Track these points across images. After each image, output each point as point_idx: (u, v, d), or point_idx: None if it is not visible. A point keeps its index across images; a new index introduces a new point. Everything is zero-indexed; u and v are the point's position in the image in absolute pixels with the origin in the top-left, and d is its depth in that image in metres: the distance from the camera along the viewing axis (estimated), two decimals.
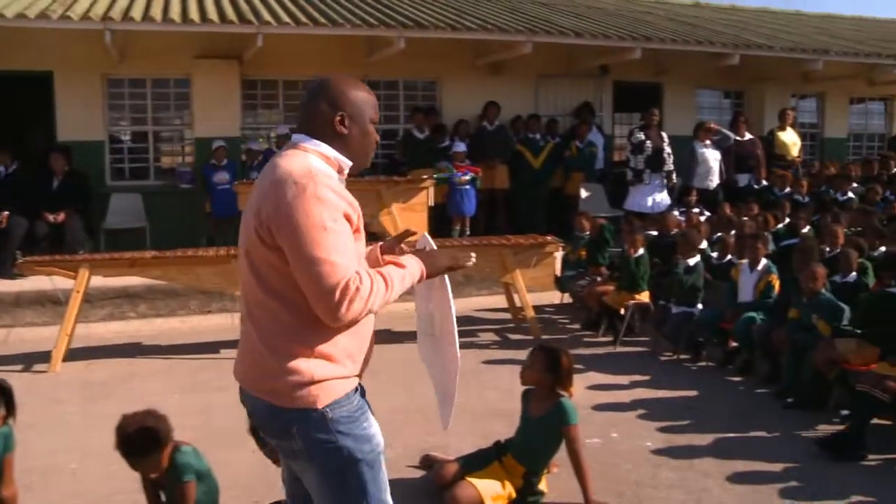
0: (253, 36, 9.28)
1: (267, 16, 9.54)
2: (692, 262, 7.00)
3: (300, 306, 2.22)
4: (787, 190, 10.50)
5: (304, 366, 2.22)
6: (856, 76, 13.53)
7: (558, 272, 8.03)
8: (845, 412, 5.27)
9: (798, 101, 14.25)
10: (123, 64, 10.54)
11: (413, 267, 2.37)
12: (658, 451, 4.85)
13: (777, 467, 4.62)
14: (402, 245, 2.71)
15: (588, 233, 8.76)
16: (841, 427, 4.99)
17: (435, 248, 2.61)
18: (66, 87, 10.58)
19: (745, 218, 8.55)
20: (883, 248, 7.10)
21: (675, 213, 9.92)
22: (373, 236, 9.69)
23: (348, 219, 2.21)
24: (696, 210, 10.03)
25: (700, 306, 6.98)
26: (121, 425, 3.39)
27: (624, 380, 6.34)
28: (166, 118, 11.34)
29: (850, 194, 10.01)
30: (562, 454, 4.16)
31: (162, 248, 7.93)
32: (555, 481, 4.37)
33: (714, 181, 10.90)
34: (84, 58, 10.19)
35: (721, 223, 8.76)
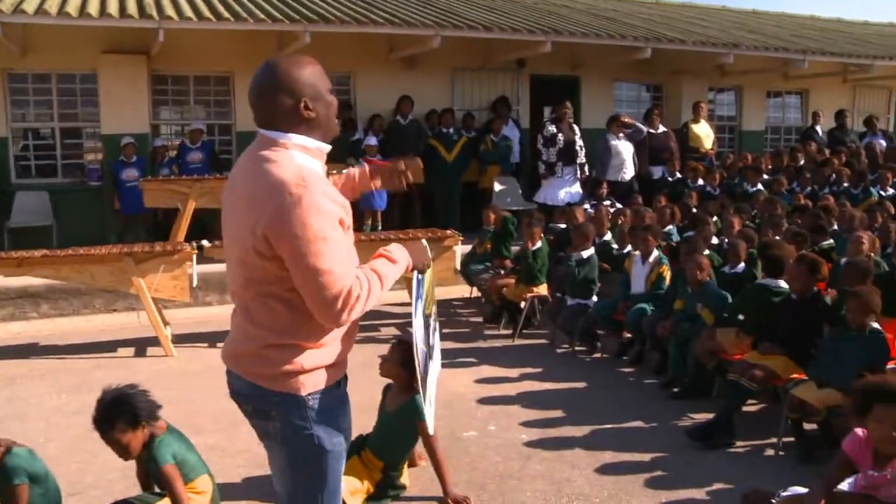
0: (156, 31, 9.07)
1: (170, 10, 9.34)
2: (585, 254, 7.04)
3: (297, 305, 2.27)
4: (700, 182, 10.67)
5: (297, 356, 2.30)
6: (771, 70, 13.78)
7: (458, 265, 8.02)
8: None
9: (716, 94, 14.48)
10: (26, 58, 10.28)
11: (402, 260, 2.48)
12: (531, 444, 4.86)
13: (646, 457, 4.67)
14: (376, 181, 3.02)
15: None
16: (712, 416, 5.06)
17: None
18: None
19: (644, 209, 8.66)
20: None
21: (586, 205, 10.03)
22: None
23: (342, 222, 2.25)
24: (607, 202, 10.12)
25: (595, 298, 7.04)
26: None
27: (514, 373, 6.36)
28: (73, 114, 11.03)
29: (759, 186, 10.19)
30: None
31: (69, 246, 7.79)
32: (419, 474, 4.36)
33: (628, 174, 11.00)
34: None
35: (636, 216, 8.85)
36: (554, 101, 11.08)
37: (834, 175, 10.22)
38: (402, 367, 4.08)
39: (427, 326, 2.92)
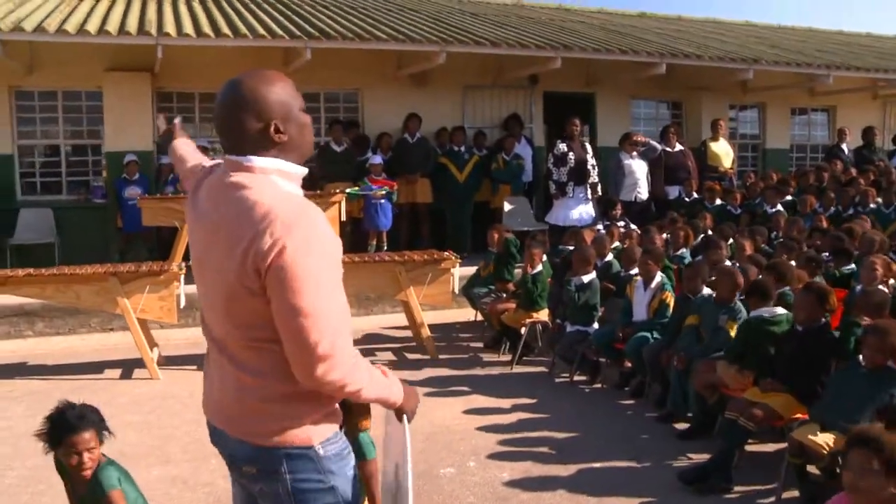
0: (156, 48, 8.95)
1: (169, 27, 9.21)
2: (586, 278, 6.73)
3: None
4: (718, 202, 10.30)
5: (296, 405, 2.04)
6: (796, 86, 13.38)
7: (456, 288, 7.73)
8: None
9: (738, 111, 14.07)
10: (32, 76, 10.23)
11: (395, 388, 2.18)
12: (510, 483, 4.54)
13: (633, 502, 4.33)
14: None
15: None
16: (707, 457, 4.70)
17: None
18: None
19: (654, 231, 8.32)
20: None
21: (599, 226, 9.70)
22: None
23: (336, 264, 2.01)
24: (620, 223, 9.77)
25: (596, 325, 6.70)
26: None
27: (507, 403, 6.04)
28: (79, 132, 10.95)
29: (779, 207, 9.79)
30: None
31: (72, 263, 7.69)
32: None
33: (642, 193, 10.68)
34: None
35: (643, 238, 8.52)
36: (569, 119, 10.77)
37: (859, 195, 9.78)
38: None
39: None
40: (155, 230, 10.16)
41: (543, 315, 7.18)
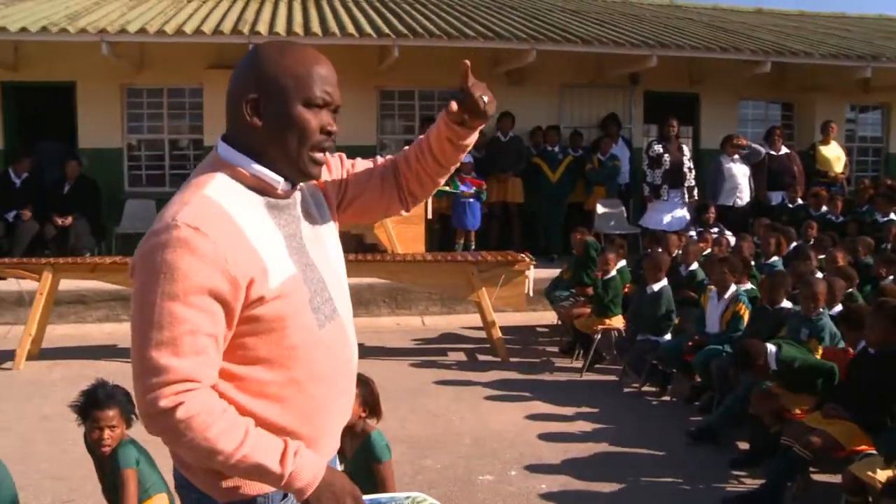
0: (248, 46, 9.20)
1: (262, 27, 9.45)
2: (657, 286, 6.44)
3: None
4: (823, 209, 9.71)
5: None
6: None
7: (530, 291, 7.56)
8: None
9: (858, 112, 13.22)
10: (142, 74, 10.71)
11: (302, 472, 1.61)
12: (548, 496, 4.39)
13: None
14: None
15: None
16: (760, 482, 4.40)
17: None
18: (87, 96, 10.82)
19: (747, 238, 7.90)
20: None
21: (692, 231, 9.32)
22: (368, 248, 9.48)
23: (215, 294, 1.54)
24: (714, 229, 9.34)
25: (668, 336, 6.41)
26: None
27: (569, 411, 5.87)
28: (181, 127, 11.41)
29: (893, 216, 9.12)
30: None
31: None
32: None
33: (742, 198, 10.17)
34: (104, 68, 10.35)
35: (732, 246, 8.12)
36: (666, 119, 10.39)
37: None
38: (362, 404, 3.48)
39: None
40: None
41: (618, 322, 6.93)
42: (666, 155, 9.71)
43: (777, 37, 12.23)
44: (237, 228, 1.59)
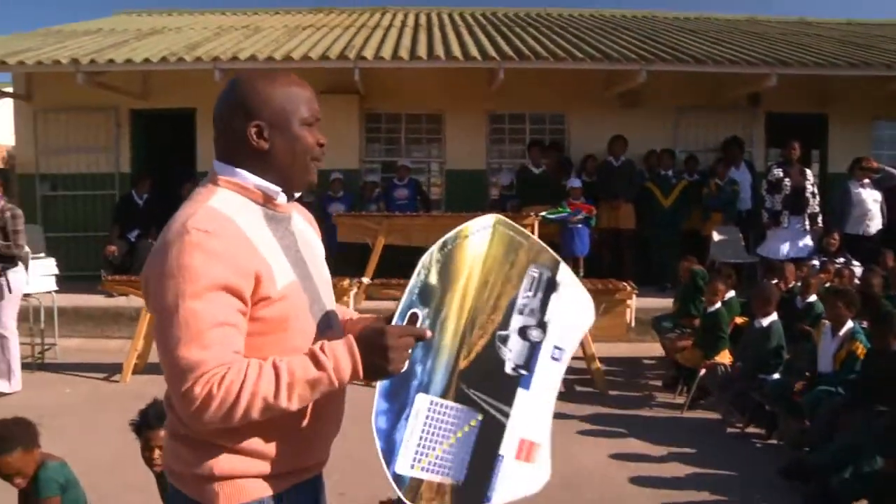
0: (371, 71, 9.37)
1: (369, 52, 9.58)
2: (766, 321, 6.00)
3: None
4: None
5: (209, 457, 1.74)
6: None
7: (632, 321, 7.21)
8: None
9: None
10: None
11: (334, 365, 1.66)
12: None
13: None
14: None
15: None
16: None
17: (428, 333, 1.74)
18: (206, 122, 11.23)
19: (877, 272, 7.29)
20: None
21: (815, 261, 8.72)
22: None
23: (229, 289, 1.64)
24: (840, 259, 8.72)
25: (777, 374, 5.95)
26: None
27: (662, 451, 5.51)
28: None
29: None
30: None
31: None
32: None
33: (873, 226, 9.45)
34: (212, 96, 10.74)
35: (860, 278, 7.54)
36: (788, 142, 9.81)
37: None
38: None
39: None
40: (360, 247, 10.50)
41: (723, 356, 6.51)
42: (787, 179, 9.12)
43: None
44: (242, 233, 1.71)
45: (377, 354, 1.66)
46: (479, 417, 1.80)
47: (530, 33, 11.54)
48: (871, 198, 9.45)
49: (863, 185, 9.46)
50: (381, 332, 1.67)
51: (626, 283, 7.21)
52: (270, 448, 1.77)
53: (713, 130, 11.23)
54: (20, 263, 6.74)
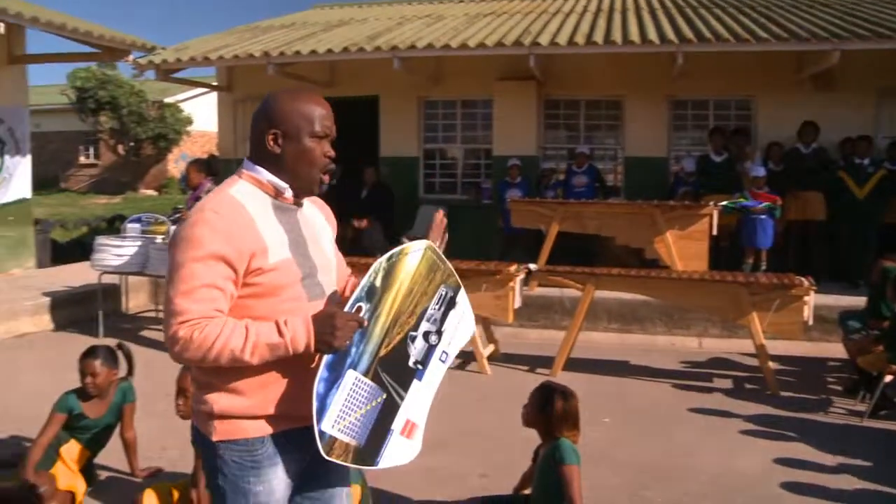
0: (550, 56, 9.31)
1: (544, 38, 9.50)
2: None
3: None
4: None
5: (210, 395, 2.17)
6: None
7: (810, 320, 6.73)
8: None
9: None
10: (438, 87, 11.32)
11: (290, 336, 2.06)
12: None
13: None
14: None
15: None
16: None
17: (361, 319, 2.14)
18: (388, 109, 11.68)
19: None
20: None
21: None
22: (647, 263, 9.05)
23: (224, 260, 2.06)
24: None
25: None
26: None
27: (831, 461, 5.13)
28: (473, 137, 11.85)
29: None
30: None
31: (452, 258, 8.12)
32: None
33: None
34: (403, 83, 11.10)
35: None
36: None
37: None
38: (537, 412, 3.59)
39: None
40: (535, 233, 10.50)
41: None
42: None
43: None
44: (248, 216, 2.13)
45: (328, 332, 2.05)
46: (384, 396, 2.19)
47: (715, 14, 11.00)
48: None
49: None
50: (332, 315, 2.06)
51: (804, 279, 6.76)
52: (263, 392, 2.14)
53: None
54: None
